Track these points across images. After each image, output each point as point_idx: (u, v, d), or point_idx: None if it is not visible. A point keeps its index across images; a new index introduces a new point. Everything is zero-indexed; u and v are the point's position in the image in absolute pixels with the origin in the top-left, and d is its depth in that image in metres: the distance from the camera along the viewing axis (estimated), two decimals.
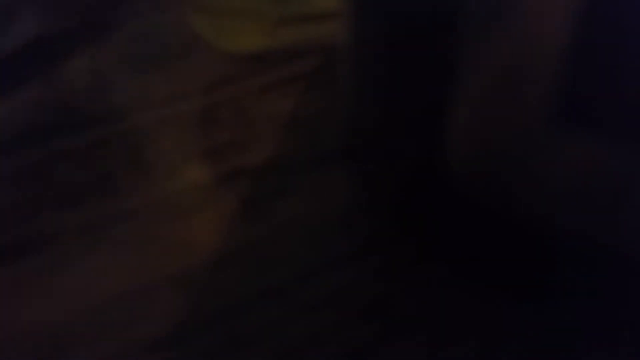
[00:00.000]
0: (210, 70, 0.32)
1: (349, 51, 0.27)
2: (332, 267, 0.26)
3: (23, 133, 0.29)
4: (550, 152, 0.22)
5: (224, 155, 0.29)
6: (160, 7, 0.35)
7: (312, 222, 0.27)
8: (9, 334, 0.24)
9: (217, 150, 0.29)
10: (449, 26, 0.22)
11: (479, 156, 0.23)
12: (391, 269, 0.26)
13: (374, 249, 0.27)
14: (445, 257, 0.26)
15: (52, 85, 0.31)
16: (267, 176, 0.29)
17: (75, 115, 0.30)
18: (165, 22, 0.34)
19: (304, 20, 0.34)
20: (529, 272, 0.25)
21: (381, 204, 0.28)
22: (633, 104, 0.20)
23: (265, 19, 0.34)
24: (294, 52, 0.33)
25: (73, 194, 0.28)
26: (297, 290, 0.25)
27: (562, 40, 0.20)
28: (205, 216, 0.27)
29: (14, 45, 0.32)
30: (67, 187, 0.28)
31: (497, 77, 0.22)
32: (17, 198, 0.27)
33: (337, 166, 0.29)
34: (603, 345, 0.24)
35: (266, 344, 0.24)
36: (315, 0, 0.34)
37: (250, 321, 0.24)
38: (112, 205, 0.27)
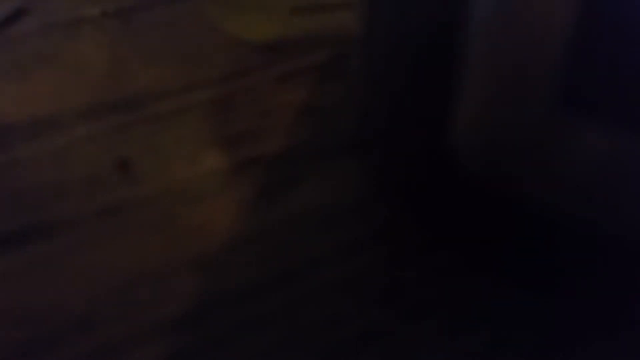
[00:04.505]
0: (226, 60, 0.32)
1: (362, 42, 0.28)
2: (346, 254, 0.26)
3: (44, 118, 0.30)
4: (557, 141, 0.22)
5: (239, 143, 0.30)
6: None
7: (325, 210, 0.28)
8: (31, 314, 0.24)
9: (233, 138, 0.30)
10: (458, 19, 0.22)
11: (486, 146, 0.24)
12: (404, 256, 0.26)
13: (387, 237, 0.27)
14: (457, 245, 0.26)
15: (71, 74, 0.31)
16: (281, 164, 0.29)
17: (94, 103, 0.30)
18: (182, 12, 0.34)
19: (320, 10, 0.34)
20: (540, 261, 0.25)
21: (393, 193, 0.28)
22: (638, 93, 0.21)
23: (280, 9, 0.34)
24: (309, 42, 0.33)
25: (93, 179, 0.28)
26: (312, 275, 0.26)
27: (567, 29, 0.20)
28: (222, 202, 0.28)
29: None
30: (88, 172, 0.28)
31: (503, 68, 0.22)
32: (38, 183, 0.28)
33: (351, 155, 0.29)
34: (616, 335, 0.24)
35: (282, 325, 0.24)
36: None
37: (266, 303, 0.25)
38: (132, 191, 0.28)
